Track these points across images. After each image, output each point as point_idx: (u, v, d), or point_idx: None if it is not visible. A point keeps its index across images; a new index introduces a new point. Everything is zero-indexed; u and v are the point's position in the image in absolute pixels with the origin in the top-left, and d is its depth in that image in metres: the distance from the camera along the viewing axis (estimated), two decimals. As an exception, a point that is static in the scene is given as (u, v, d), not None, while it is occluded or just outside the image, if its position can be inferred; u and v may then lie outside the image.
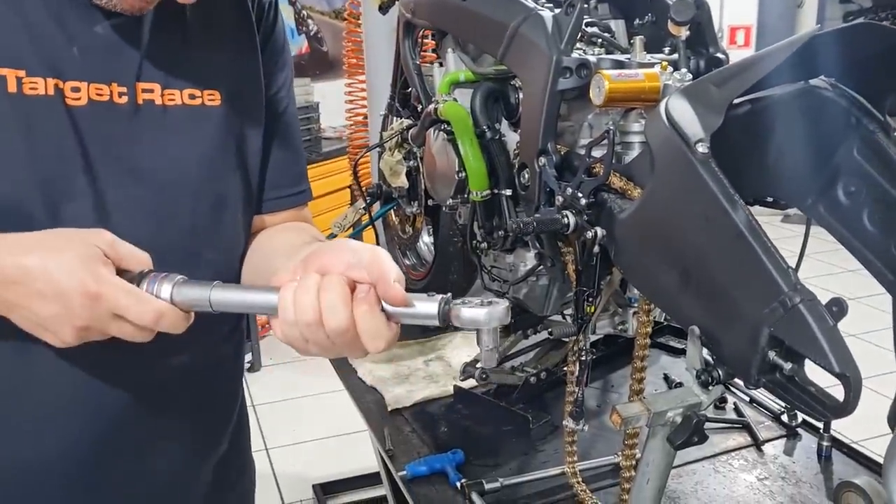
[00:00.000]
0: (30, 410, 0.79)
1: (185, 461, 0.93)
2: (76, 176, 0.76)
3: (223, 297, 0.66)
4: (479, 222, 1.16)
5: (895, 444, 0.65)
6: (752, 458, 1.16)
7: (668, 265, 0.74)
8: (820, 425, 1.19)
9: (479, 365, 0.55)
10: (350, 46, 2.66)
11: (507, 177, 1.09)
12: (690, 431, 0.73)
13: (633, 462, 0.96)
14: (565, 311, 1.23)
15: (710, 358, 0.72)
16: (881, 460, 0.69)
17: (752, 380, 0.65)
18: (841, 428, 1.19)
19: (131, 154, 0.79)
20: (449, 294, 0.65)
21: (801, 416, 1.23)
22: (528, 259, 1.13)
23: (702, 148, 0.69)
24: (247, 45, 0.90)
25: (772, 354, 0.63)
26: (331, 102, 3.82)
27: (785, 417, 1.25)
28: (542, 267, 1.08)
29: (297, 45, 5.14)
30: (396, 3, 1.48)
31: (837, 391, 0.60)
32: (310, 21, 5.21)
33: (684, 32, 0.95)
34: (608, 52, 1.03)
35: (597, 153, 0.89)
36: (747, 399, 1.32)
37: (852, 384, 0.58)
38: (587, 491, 1.06)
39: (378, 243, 1.84)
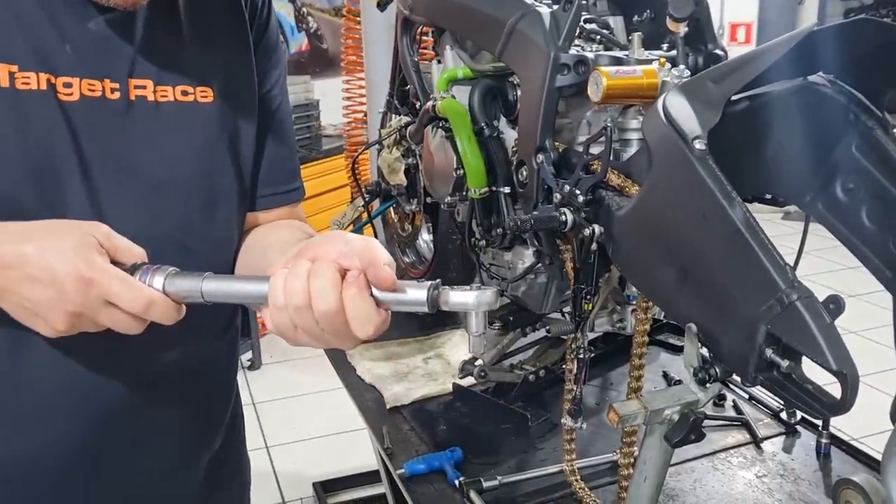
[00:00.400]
0: (22, 405, 0.80)
1: (177, 457, 0.93)
2: (69, 170, 0.76)
3: (215, 287, 0.67)
4: (478, 220, 1.16)
5: (894, 442, 0.65)
6: (751, 456, 1.16)
7: (666, 262, 0.74)
8: (819, 423, 1.18)
9: (469, 352, 0.55)
10: (349, 44, 2.65)
11: (505, 174, 1.09)
12: (688, 429, 0.73)
13: (632, 460, 0.96)
14: (564, 309, 1.23)
15: (707, 355, 0.72)
16: (880, 457, 0.69)
17: (749, 377, 0.65)
18: (840, 425, 1.19)
19: (123, 149, 0.79)
20: (438, 280, 0.65)
21: (799, 414, 1.23)
22: (527, 257, 1.12)
23: (699, 145, 0.68)
24: (240, 43, 0.90)
25: (769, 352, 0.63)
26: (331, 100, 3.81)
27: (784, 415, 1.24)
28: (540, 264, 1.08)
29: (297, 43, 5.13)
30: (395, -1, 1.47)
31: (835, 389, 0.60)
32: (309, 18, 5.21)
33: (683, 29, 0.95)
34: (606, 49, 1.02)
35: (595, 150, 0.88)
36: (746, 396, 1.32)
37: (850, 382, 0.58)
38: (586, 489, 1.06)
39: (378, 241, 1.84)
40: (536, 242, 1.02)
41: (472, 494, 1.06)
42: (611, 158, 0.85)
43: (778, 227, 4.07)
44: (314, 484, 2.58)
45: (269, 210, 0.96)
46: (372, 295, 0.63)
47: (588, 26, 1.05)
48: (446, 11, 1.23)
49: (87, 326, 0.67)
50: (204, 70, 0.85)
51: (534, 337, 1.37)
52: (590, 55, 0.94)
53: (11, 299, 0.66)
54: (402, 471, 1.13)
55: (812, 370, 0.62)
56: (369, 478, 2.47)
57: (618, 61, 0.95)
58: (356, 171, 1.79)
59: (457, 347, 1.53)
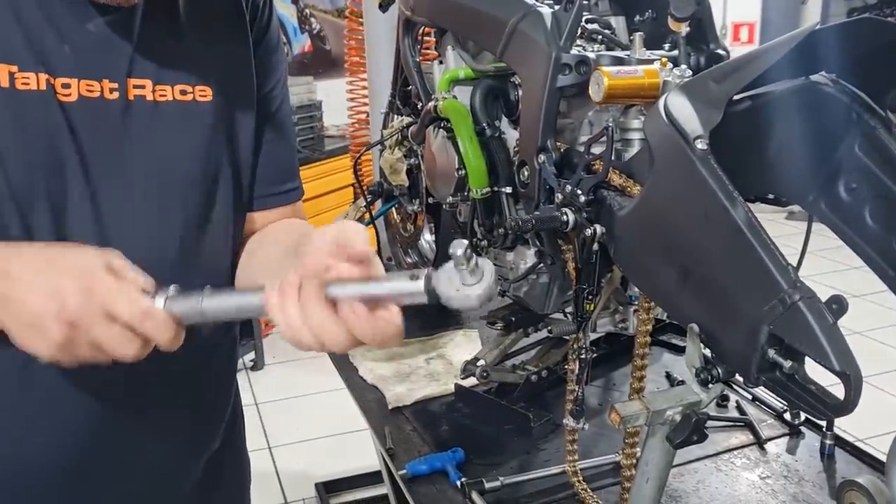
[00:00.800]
0: (20, 404, 0.80)
1: (176, 456, 0.93)
2: (69, 170, 0.76)
3: (214, 304, 0.66)
4: (480, 220, 1.16)
5: (897, 443, 0.65)
6: (755, 457, 1.16)
7: (668, 263, 0.74)
8: (823, 423, 1.18)
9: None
10: (352, 45, 2.66)
11: (506, 174, 1.09)
12: (690, 430, 0.73)
13: (634, 461, 0.96)
14: (566, 309, 1.23)
15: (709, 356, 0.72)
16: (885, 459, 0.68)
17: (751, 378, 0.64)
18: (844, 426, 1.19)
19: (123, 149, 0.80)
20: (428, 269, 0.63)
21: (803, 415, 1.22)
22: (529, 257, 1.12)
23: (701, 144, 0.68)
24: (239, 42, 0.90)
25: (771, 352, 0.62)
26: (334, 101, 3.82)
27: (788, 416, 1.24)
28: (542, 265, 1.08)
29: (300, 44, 5.14)
30: (396, 0, 1.47)
31: (838, 389, 0.60)
32: (312, 20, 5.21)
33: (684, 29, 0.95)
34: (608, 49, 1.02)
35: (596, 150, 0.88)
36: (749, 397, 1.31)
37: (853, 382, 0.57)
38: (588, 490, 1.05)
39: (379, 241, 1.84)
40: (538, 242, 1.02)
41: (475, 495, 1.05)
42: (612, 158, 0.85)
43: (782, 227, 4.06)
44: (317, 484, 2.58)
45: (268, 210, 0.96)
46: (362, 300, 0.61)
47: (589, 26, 1.05)
48: (448, 12, 1.23)
49: (80, 343, 0.66)
50: (203, 69, 0.85)
51: (536, 337, 1.37)
52: (591, 55, 0.94)
53: (10, 309, 0.65)
54: (405, 471, 1.13)
55: (816, 371, 0.62)
56: (371, 478, 2.47)
57: (619, 61, 0.94)
58: (358, 172, 1.79)
59: (459, 348, 1.53)
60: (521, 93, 1.07)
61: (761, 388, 0.67)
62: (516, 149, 1.07)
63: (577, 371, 0.98)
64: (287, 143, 0.99)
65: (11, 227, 0.73)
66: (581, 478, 1.07)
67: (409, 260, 1.73)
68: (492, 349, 1.30)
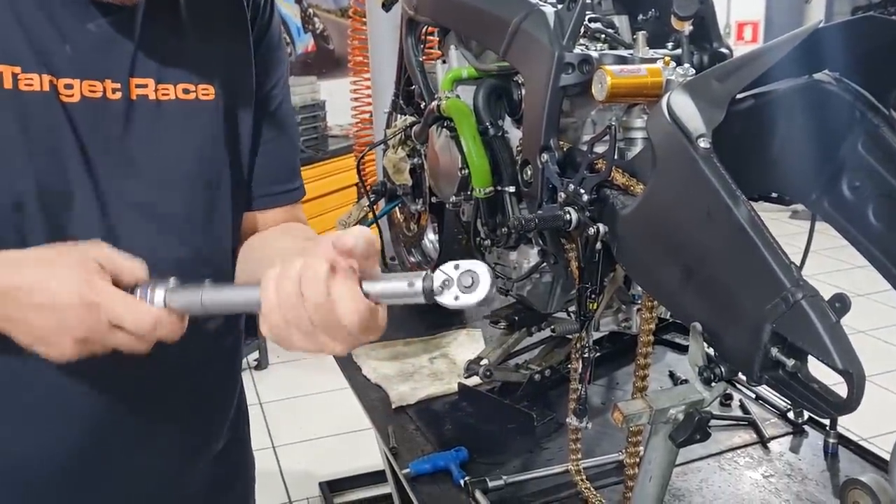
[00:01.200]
0: (23, 404, 0.80)
1: (180, 456, 0.93)
2: (73, 170, 0.76)
3: (214, 296, 0.67)
4: (483, 219, 1.16)
5: (900, 442, 0.65)
6: (758, 456, 1.15)
7: (670, 261, 0.74)
8: (826, 422, 1.18)
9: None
10: (355, 44, 2.66)
11: (510, 173, 1.09)
12: (693, 429, 0.73)
13: (637, 460, 0.96)
14: (569, 309, 1.23)
15: (712, 354, 0.72)
16: (888, 457, 0.68)
17: (754, 376, 0.64)
18: (848, 425, 1.19)
19: (126, 149, 0.80)
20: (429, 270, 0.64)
21: (807, 414, 1.22)
22: (532, 256, 1.12)
23: (704, 143, 0.68)
24: (240, 41, 0.90)
25: (774, 351, 0.62)
26: (337, 100, 3.82)
27: (791, 414, 1.24)
28: (545, 264, 1.08)
29: (304, 44, 5.14)
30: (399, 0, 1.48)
31: (842, 388, 0.60)
32: (316, 19, 5.21)
33: (687, 27, 0.95)
34: (611, 48, 1.02)
35: (599, 149, 0.88)
36: (753, 396, 1.31)
37: (856, 381, 0.57)
38: (591, 489, 1.05)
39: (382, 241, 1.84)
40: (541, 242, 1.02)
41: (478, 494, 1.06)
42: (615, 157, 0.85)
43: (785, 227, 4.05)
44: (320, 483, 2.58)
45: (268, 209, 0.96)
46: (361, 287, 0.63)
47: (592, 25, 1.05)
48: (451, 11, 1.23)
49: (96, 349, 0.68)
50: (205, 68, 0.85)
51: (539, 336, 1.37)
52: (594, 54, 0.94)
53: (19, 328, 0.67)
54: (408, 470, 1.13)
55: (819, 369, 0.62)
56: (375, 477, 2.47)
57: (622, 60, 0.94)
58: (362, 172, 1.79)
59: (462, 347, 1.53)
60: (524, 92, 1.07)
61: (764, 386, 0.67)
62: (519, 148, 1.07)
63: (580, 370, 0.98)
64: (289, 142, 0.98)
65: (16, 228, 0.74)
66: (584, 476, 1.07)
67: (412, 259, 1.73)
68: (495, 348, 1.30)
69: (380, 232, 1.80)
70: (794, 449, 1.17)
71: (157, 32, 0.82)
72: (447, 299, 0.62)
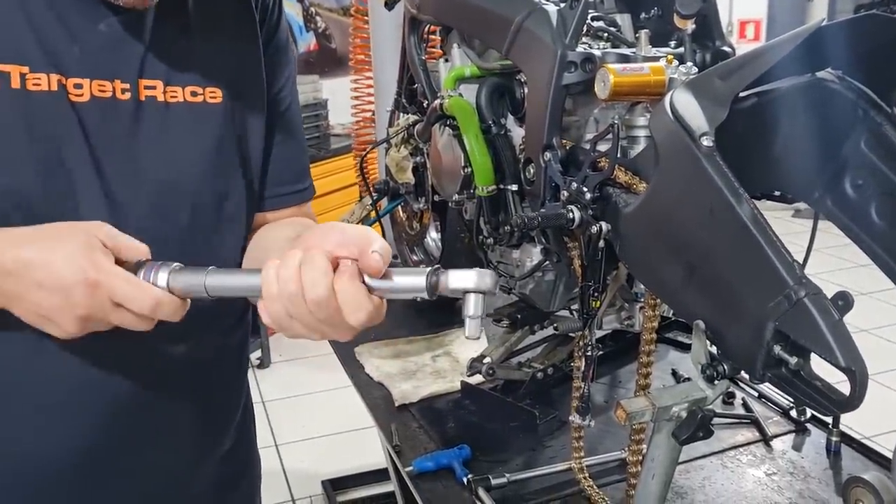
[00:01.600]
0: (34, 403, 0.80)
1: (188, 455, 0.93)
2: (80, 171, 0.77)
3: (217, 281, 0.67)
4: (486, 218, 1.16)
5: (903, 439, 0.65)
6: (761, 454, 1.16)
7: (673, 259, 0.74)
8: (829, 420, 1.18)
9: (465, 335, 0.55)
10: (357, 43, 2.66)
11: (512, 172, 1.09)
12: (695, 426, 0.73)
13: (640, 457, 0.96)
14: (572, 307, 1.23)
15: (715, 352, 0.72)
16: (891, 455, 0.68)
17: (757, 374, 0.65)
18: (851, 423, 1.18)
19: (133, 150, 0.80)
20: (437, 266, 0.65)
21: (810, 412, 1.22)
22: (534, 254, 1.12)
23: (706, 141, 0.68)
24: (249, 43, 0.90)
25: (777, 349, 0.62)
26: (339, 99, 3.82)
27: (794, 412, 1.24)
28: (548, 262, 1.08)
29: (306, 42, 5.14)
30: (402, -2, 1.48)
31: (844, 386, 0.60)
32: (318, 18, 5.21)
33: (690, 26, 0.95)
34: (614, 46, 1.02)
35: (602, 147, 0.88)
36: (756, 394, 1.31)
37: (858, 378, 0.57)
38: (594, 486, 1.06)
39: (385, 239, 1.84)
40: (544, 240, 1.02)
41: (481, 492, 1.06)
42: (618, 155, 0.85)
43: (788, 225, 4.05)
44: (323, 482, 2.59)
45: (278, 210, 0.97)
46: (364, 282, 0.64)
47: (595, 24, 1.05)
48: (453, 10, 1.23)
49: (99, 327, 0.68)
50: (213, 70, 0.85)
51: (542, 335, 1.37)
52: (597, 53, 0.94)
53: (22, 305, 0.67)
54: (411, 468, 1.13)
55: (822, 367, 0.62)
56: (378, 475, 2.47)
57: (625, 58, 0.95)
58: (364, 170, 1.79)
59: (465, 345, 1.53)
60: (526, 90, 1.07)
61: (767, 384, 0.67)
62: (522, 146, 1.07)
63: (582, 368, 0.99)
64: (297, 142, 0.99)
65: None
66: (587, 474, 1.07)
67: (415, 258, 1.73)
68: (498, 346, 1.30)
69: (382, 230, 1.81)
70: (797, 447, 1.17)
71: (167, 34, 0.82)
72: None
